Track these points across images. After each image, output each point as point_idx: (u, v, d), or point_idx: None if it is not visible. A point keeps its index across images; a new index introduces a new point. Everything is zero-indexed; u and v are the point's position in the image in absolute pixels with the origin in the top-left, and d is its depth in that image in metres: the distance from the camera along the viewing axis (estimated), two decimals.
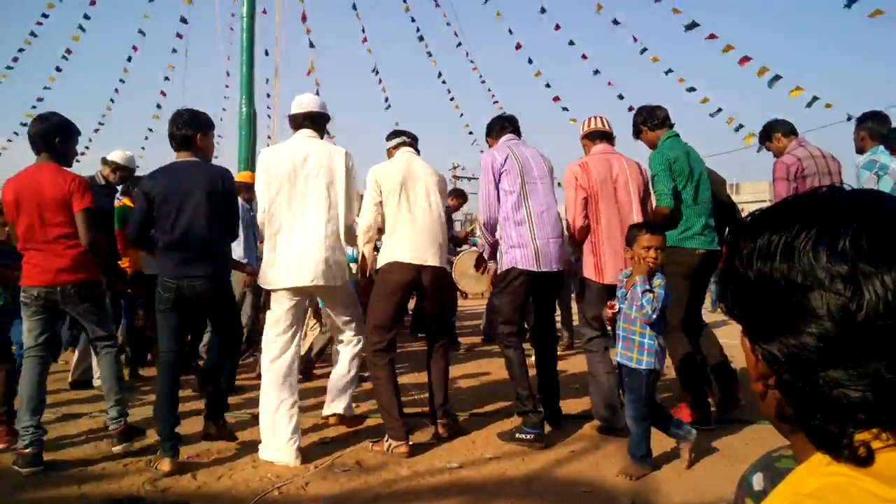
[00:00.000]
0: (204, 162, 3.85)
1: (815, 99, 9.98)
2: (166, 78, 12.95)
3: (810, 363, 0.63)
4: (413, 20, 14.05)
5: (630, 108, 12.37)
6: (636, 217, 4.11)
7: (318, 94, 12.07)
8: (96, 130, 13.62)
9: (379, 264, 4.06)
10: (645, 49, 11.06)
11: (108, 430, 3.93)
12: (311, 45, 12.07)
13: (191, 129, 3.79)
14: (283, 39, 10.74)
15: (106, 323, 4.00)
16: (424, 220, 4.01)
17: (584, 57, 12.23)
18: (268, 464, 3.67)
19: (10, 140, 13.37)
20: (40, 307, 3.75)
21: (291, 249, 3.76)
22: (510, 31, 13.43)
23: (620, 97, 12.29)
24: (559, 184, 4.46)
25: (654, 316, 3.34)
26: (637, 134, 4.66)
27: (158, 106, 13.19)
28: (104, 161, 5.85)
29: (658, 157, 4.28)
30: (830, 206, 0.67)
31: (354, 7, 13.00)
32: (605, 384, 4.08)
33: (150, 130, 13.85)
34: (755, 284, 0.69)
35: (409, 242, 3.95)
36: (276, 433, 3.69)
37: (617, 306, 3.50)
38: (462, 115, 14.98)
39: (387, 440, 3.83)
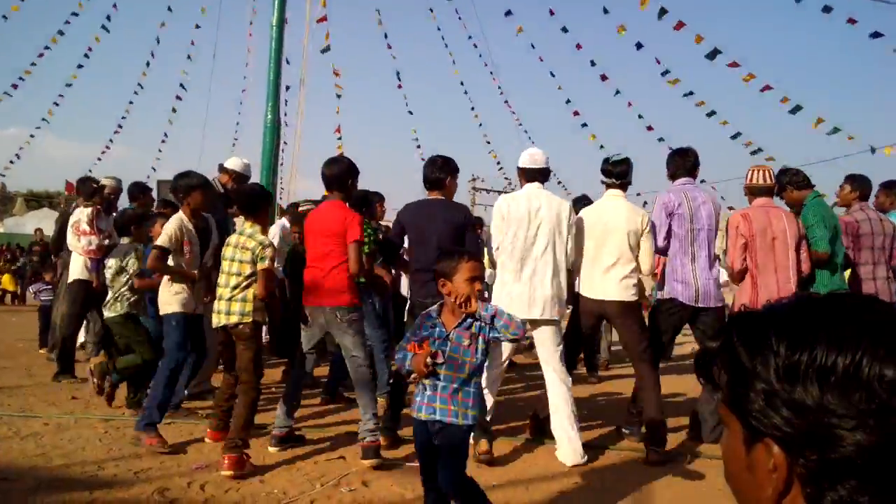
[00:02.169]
0: (447, 200, 4.51)
1: (836, 130, 9.95)
2: (181, 85, 13.22)
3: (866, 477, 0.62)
4: (438, 28, 14.20)
5: (649, 128, 12.42)
6: (791, 262, 4.54)
7: (338, 96, 12.07)
8: (116, 132, 13.99)
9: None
10: (667, 71, 11.08)
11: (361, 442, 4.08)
12: (328, 49, 12.15)
13: (444, 173, 4.47)
14: (302, 49, 10.74)
15: (360, 343, 4.36)
16: (608, 260, 4.45)
17: (603, 78, 12.28)
18: (275, 479, 3.73)
19: (32, 136, 13.73)
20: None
21: (524, 287, 4.29)
22: (532, 46, 13.53)
23: (640, 116, 12.33)
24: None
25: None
26: (780, 192, 5.13)
27: (174, 110, 13.49)
28: (223, 169, 5.89)
29: (815, 210, 4.88)
30: (886, 324, 0.65)
31: (378, 12, 13.16)
32: None
33: (166, 135, 14.18)
34: (806, 406, 0.64)
35: (591, 280, 4.47)
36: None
37: (441, 356, 2.73)
38: (481, 124, 15.08)
39: None
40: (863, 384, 0.62)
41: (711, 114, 10.69)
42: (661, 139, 12.08)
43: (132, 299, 4.89)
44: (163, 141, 14.31)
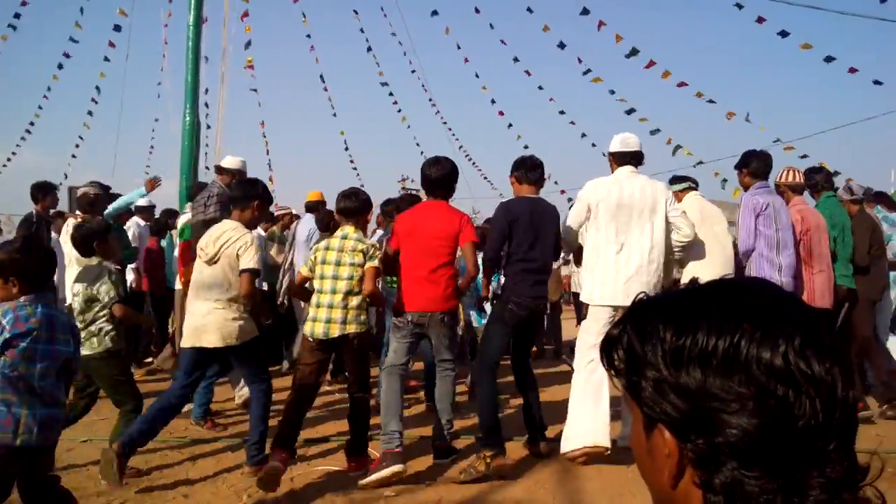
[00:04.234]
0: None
1: (747, 119, 10.49)
2: (97, 87, 12.64)
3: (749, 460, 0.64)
4: (362, 31, 14.10)
5: (572, 123, 12.76)
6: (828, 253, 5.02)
7: (255, 90, 11.83)
8: (23, 138, 13.25)
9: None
10: (588, 70, 11.39)
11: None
12: (249, 44, 11.93)
13: (539, 171, 4.40)
14: (223, 48, 10.46)
15: (455, 347, 4.32)
16: (721, 253, 4.65)
17: (527, 73, 12.54)
18: (200, 491, 3.63)
19: None
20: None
21: (619, 272, 4.10)
22: (458, 46, 13.67)
23: (562, 112, 12.65)
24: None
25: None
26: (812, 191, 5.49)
27: (90, 113, 12.88)
28: (221, 170, 5.53)
29: (841, 211, 5.33)
30: (768, 308, 0.67)
31: (304, 15, 12.99)
32: None
33: (81, 139, 13.53)
34: (690, 391, 0.66)
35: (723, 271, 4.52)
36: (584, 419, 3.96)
37: None
38: (409, 126, 15.10)
39: None
40: (741, 367, 0.63)
41: (631, 111, 11.06)
42: (584, 135, 12.42)
43: (111, 332, 3.98)
44: (77, 146, 13.59)
